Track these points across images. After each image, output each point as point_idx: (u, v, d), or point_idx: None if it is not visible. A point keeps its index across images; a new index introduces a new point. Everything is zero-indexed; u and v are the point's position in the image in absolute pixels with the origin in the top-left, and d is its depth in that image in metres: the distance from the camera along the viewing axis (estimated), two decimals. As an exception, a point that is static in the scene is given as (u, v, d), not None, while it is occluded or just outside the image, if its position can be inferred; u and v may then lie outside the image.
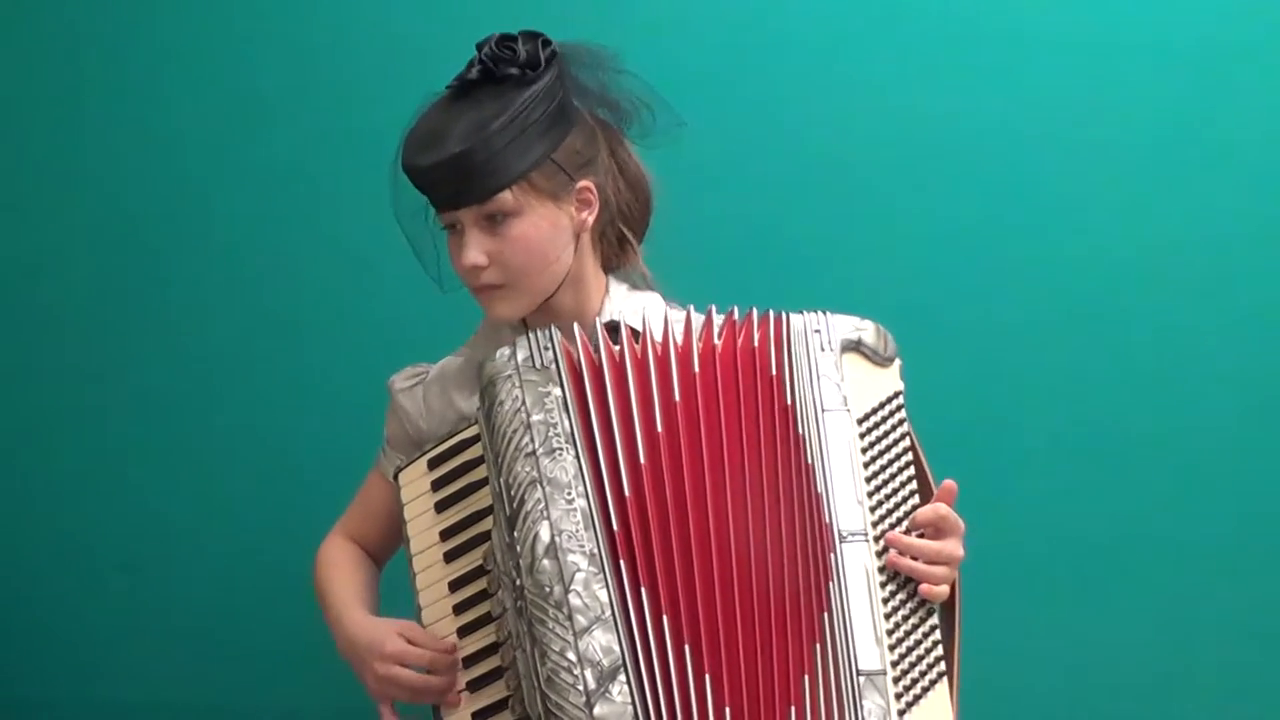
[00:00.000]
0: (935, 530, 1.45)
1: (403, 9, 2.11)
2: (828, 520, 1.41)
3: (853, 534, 1.42)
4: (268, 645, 2.15)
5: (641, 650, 1.35)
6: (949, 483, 1.47)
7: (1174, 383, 2.04)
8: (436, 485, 1.51)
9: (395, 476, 1.55)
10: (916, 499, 1.47)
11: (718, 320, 1.49)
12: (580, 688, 1.33)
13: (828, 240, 2.05)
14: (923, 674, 1.41)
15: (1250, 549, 2.04)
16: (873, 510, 1.44)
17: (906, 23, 2.05)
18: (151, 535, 2.17)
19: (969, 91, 2.04)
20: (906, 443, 1.49)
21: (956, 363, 2.03)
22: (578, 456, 1.40)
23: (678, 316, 1.51)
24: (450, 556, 1.50)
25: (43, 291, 2.19)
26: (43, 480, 2.19)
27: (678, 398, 1.43)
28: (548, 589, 1.36)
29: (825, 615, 1.38)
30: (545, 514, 1.38)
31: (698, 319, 1.49)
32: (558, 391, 1.43)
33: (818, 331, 1.49)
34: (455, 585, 1.49)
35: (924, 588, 1.42)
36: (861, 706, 1.36)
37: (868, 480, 1.45)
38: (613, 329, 1.50)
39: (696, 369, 1.44)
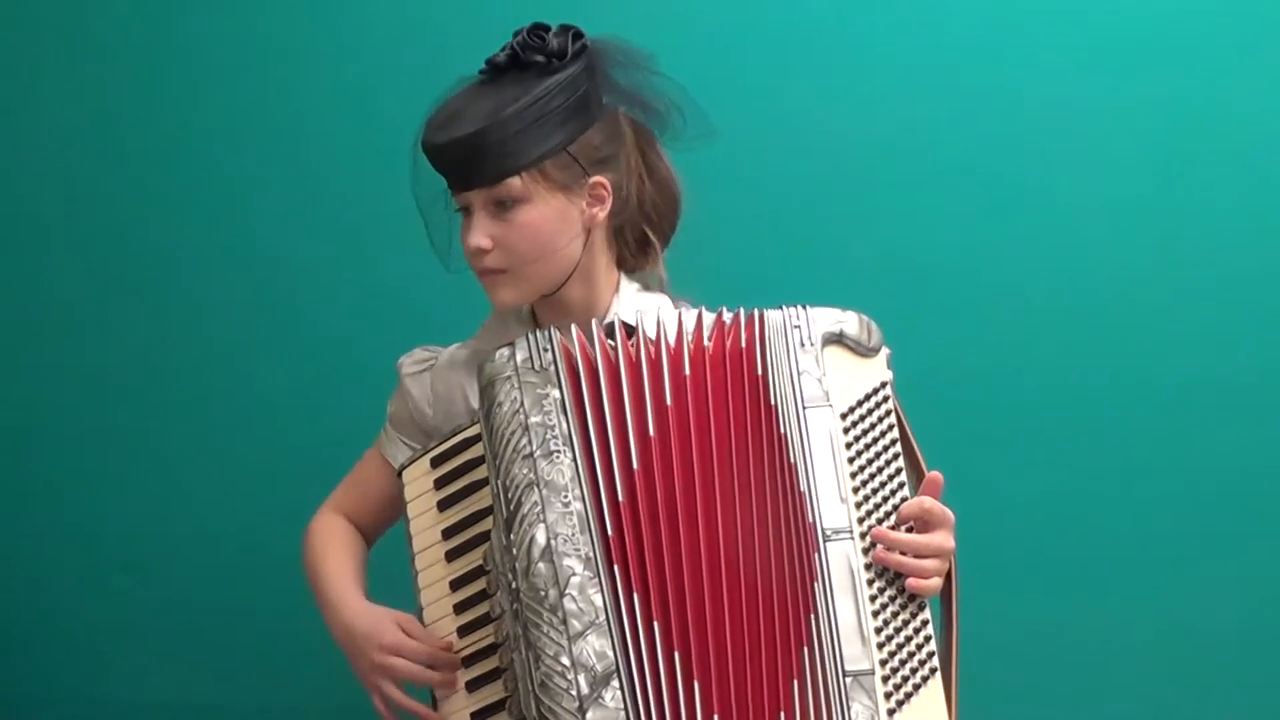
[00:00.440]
0: (922, 524, 1.44)
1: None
2: (811, 520, 1.41)
3: (837, 532, 1.41)
4: (268, 645, 2.15)
5: (634, 656, 1.35)
6: (935, 474, 1.46)
7: (1173, 379, 2.04)
8: (439, 483, 1.51)
9: (399, 474, 1.55)
10: (906, 491, 1.46)
11: (708, 322, 1.48)
12: (573, 692, 1.33)
13: (830, 240, 2.05)
14: (914, 671, 1.39)
15: (1249, 545, 2.04)
16: (858, 506, 1.43)
17: (908, 24, 2.06)
18: (151, 535, 2.17)
19: (971, 92, 2.05)
20: (895, 434, 1.47)
21: (956, 359, 2.03)
22: (575, 459, 1.40)
23: (672, 318, 1.50)
24: (452, 555, 1.50)
25: (42, 290, 2.19)
26: (43, 480, 2.19)
27: (669, 401, 1.43)
28: (543, 592, 1.36)
29: (811, 617, 1.38)
30: (542, 517, 1.38)
31: (690, 320, 1.49)
32: (556, 393, 1.43)
33: (797, 326, 1.48)
34: (456, 584, 1.50)
35: (913, 581, 1.41)
36: (849, 709, 1.35)
37: (853, 475, 1.43)
38: (612, 330, 1.50)
39: (687, 371, 1.44)
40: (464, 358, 1.66)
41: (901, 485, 1.46)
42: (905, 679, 1.39)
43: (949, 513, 1.46)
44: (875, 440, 1.46)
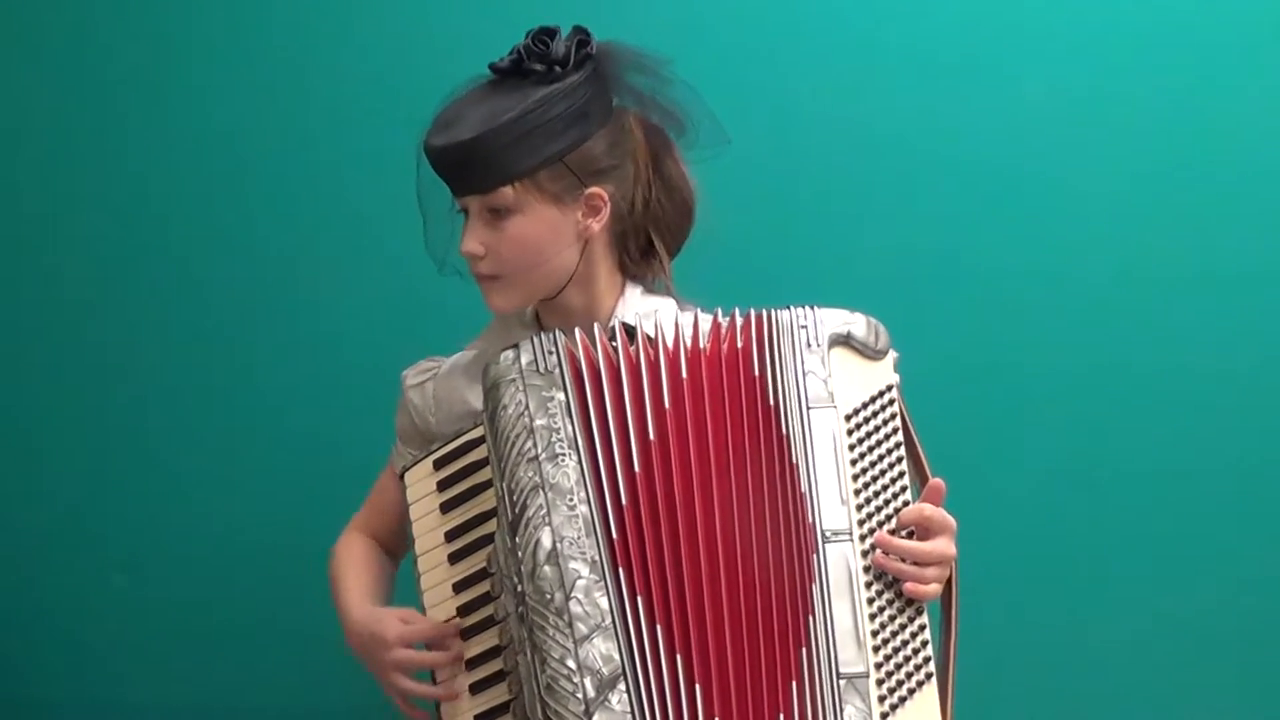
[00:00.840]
0: (922, 531, 1.44)
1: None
2: (811, 520, 1.40)
3: (836, 533, 1.40)
4: (268, 645, 2.15)
5: (639, 659, 1.34)
6: (936, 481, 1.45)
7: (1174, 382, 2.04)
8: (442, 486, 1.51)
9: (401, 475, 1.55)
10: (908, 495, 1.46)
11: (705, 324, 1.48)
12: (580, 695, 1.33)
13: (838, 241, 2.06)
14: (909, 675, 1.39)
15: (1249, 548, 2.05)
16: (859, 509, 1.42)
17: (910, 24, 2.06)
18: (151, 535, 2.16)
19: (973, 93, 2.05)
20: (899, 437, 1.47)
21: (958, 362, 2.03)
22: (580, 462, 1.40)
23: (670, 321, 1.50)
24: (455, 558, 1.50)
25: (43, 290, 2.19)
26: (43, 480, 2.19)
27: (668, 404, 1.42)
28: (549, 596, 1.35)
29: (809, 618, 1.37)
30: (547, 520, 1.37)
31: (686, 323, 1.48)
32: (561, 396, 1.42)
33: (804, 327, 1.47)
34: (460, 587, 1.49)
35: (911, 586, 1.40)
36: (842, 711, 1.35)
37: (855, 478, 1.43)
38: (615, 333, 1.49)
39: (685, 374, 1.44)
40: (467, 362, 1.66)
41: (904, 489, 1.46)
42: (900, 683, 1.38)
43: (950, 519, 1.45)
44: (879, 443, 1.46)
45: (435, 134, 1.52)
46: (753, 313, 1.48)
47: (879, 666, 1.38)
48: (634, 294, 1.63)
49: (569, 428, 1.41)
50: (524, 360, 1.44)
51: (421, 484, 1.52)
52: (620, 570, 1.36)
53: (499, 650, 1.44)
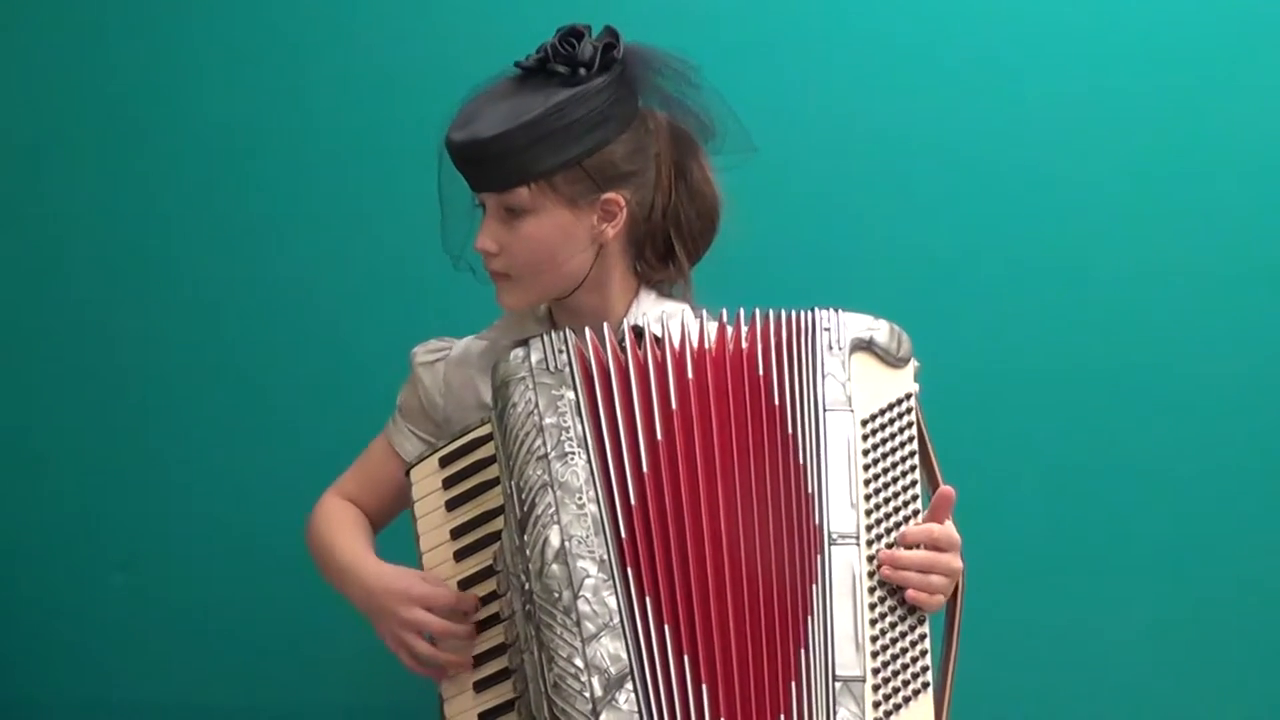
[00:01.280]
0: (929, 547, 1.43)
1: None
2: (817, 522, 1.40)
3: (843, 536, 1.40)
4: (268, 645, 2.14)
5: (647, 659, 1.34)
6: (946, 489, 1.45)
7: (1179, 386, 2.04)
8: (448, 483, 1.51)
9: (407, 473, 1.55)
10: (918, 505, 1.45)
11: (710, 326, 1.48)
12: (587, 695, 1.33)
13: (838, 242, 2.06)
14: (905, 683, 1.38)
15: (1253, 556, 2.04)
16: (869, 514, 1.41)
17: (912, 24, 2.06)
18: (151, 535, 2.16)
19: (978, 95, 2.05)
20: (914, 446, 1.46)
21: (962, 366, 2.02)
22: (589, 461, 1.39)
23: (676, 322, 1.50)
24: (460, 555, 1.50)
25: (43, 289, 2.18)
26: (43, 480, 2.18)
27: (674, 405, 1.42)
28: (556, 594, 1.35)
29: (808, 618, 1.37)
30: (556, 518, 1.37)
31: (692, 324, 1.48)
32: (571, 395, 1.42)
33: (827, 329, 1.47)
34: (465, 585, 1.50)
35: (913, 594, 1.40)
36: (835, 714, 1.34)
37: (867, 483, 1.42)
38: (624, 334, 1.50)
39: (690, 374, 1.44)
40: (478, 351, 1.66)
41: (915, 499, 1.45)
42: (896, 690, 1.38)
43: (955, 536, 1.45)
44: (893, 450, 1.45)
45: (456, 129, 1.52)
46: (771, 313, 1.48)
47: (876, 672, 1.37)
48: (648, 298, 1.63)
49: (579, 426, 1.41)
50: (534, 358, 1.44)
51: (427, 481, 1.52)
52: (629, 570, 1.36)
53: (504, 648, 1.44)
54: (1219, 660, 2.05)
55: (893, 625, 1.40)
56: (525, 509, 1.38)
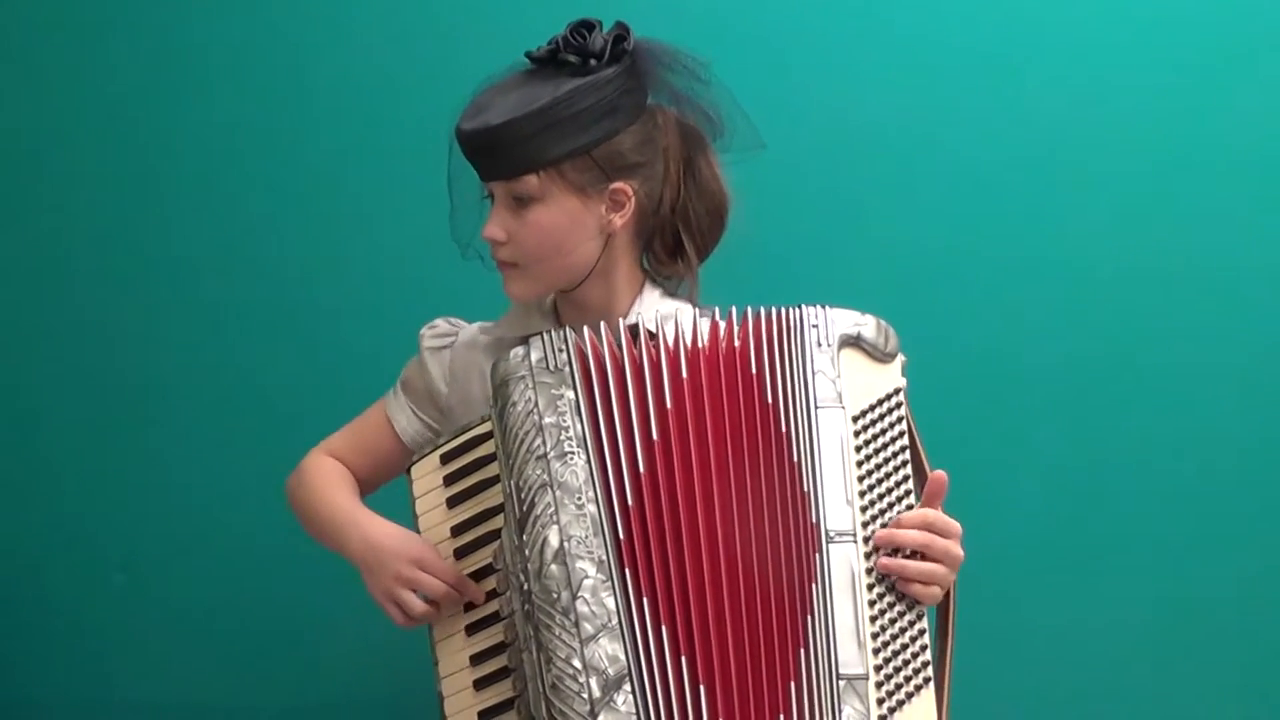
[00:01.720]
0: (927, 533, 1.43)
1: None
2: (814, 520, 1.40)
3: (840, 534, 1.39)
4: (268, 645, 2.14)
5: (645, 660, 1.34)
6: (938, 473, 1.45)
7: (1174, 383, 2.05)
8: (449, 480, 1.51)
9: (408, 470, 1.55)
10: (912, 499, 1.45)
11: (703, 325, 1.47)
12: (585, 695, 1.32)
13: (835, 241, 2.06)
14: (907, 679, 1.38)
15: (1251, 552, 2.05)
16: (864, 510, 1.41)
17: (910, 25, 2.06)
18: (151, 535, 2.16)
19: (974, 94, 2.06)
20: (905, 441, 1.46)
21: (958, 365, 2.03)
22: (589, 461, 1.39)
23: (670, 322, 1.49)
24: (460, 553, 1.51)
25: (44, 289, 2.18)
26: (43, 480, 2.18)
27: (669, 404, 1.42)
28: (555, 595, 1.35)
29: (808, 618, 1.37)
30: (555, 518, 1.37)
31: (686, 323, 1.47)
32: (570, 395, 1.42)
33: (815, 326, 1.46)
34: (464, 584, 1.51)
35: (916, 588, 1.40)
36: (840, 712, 1.34)
37: (861, 479, 1.42)
38: (631, 332, 1.49)
39: (685, 374, 1.44)
40: (485, 343, 1.67)
41: (909, 494, 1.45)
42: (899, 686, 1.38)
43: (954, 524, 1.44)
44: (885, 446, 1.45)
45: (466, 119, 1.53)
46: (761, 311, 1.48)
47: (879, 669, 1.37)
48: (652, 295, 1.63)
49: (578, 426, 1.40)
50: (534, 358, 1.44)
51: (428, 478, 1.53)
52: (627, 571, 1.36)
53: (503, 646, 1.44)
54: (1218, 659, 2.06)
55: (892, 621, 1.39)
56: (524, 509, 1.38)
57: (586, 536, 1.37)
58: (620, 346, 1.45)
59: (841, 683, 1.35)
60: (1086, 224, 2.05)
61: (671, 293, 1.65)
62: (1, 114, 2.19)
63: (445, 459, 1.51)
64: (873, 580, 1.40)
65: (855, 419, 1.44)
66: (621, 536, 1.37)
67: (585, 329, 1.46)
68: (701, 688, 1.34)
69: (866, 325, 1.49)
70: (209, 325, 2.16)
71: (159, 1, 2.16)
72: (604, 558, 1.36)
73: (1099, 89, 2.04)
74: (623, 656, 1.33)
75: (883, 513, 1.43)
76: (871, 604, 1.39)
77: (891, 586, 1.40)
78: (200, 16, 2.15)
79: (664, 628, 1.35)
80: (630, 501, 1.38)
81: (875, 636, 1.38)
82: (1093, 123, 2.04)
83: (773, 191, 2.02)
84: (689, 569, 1.37)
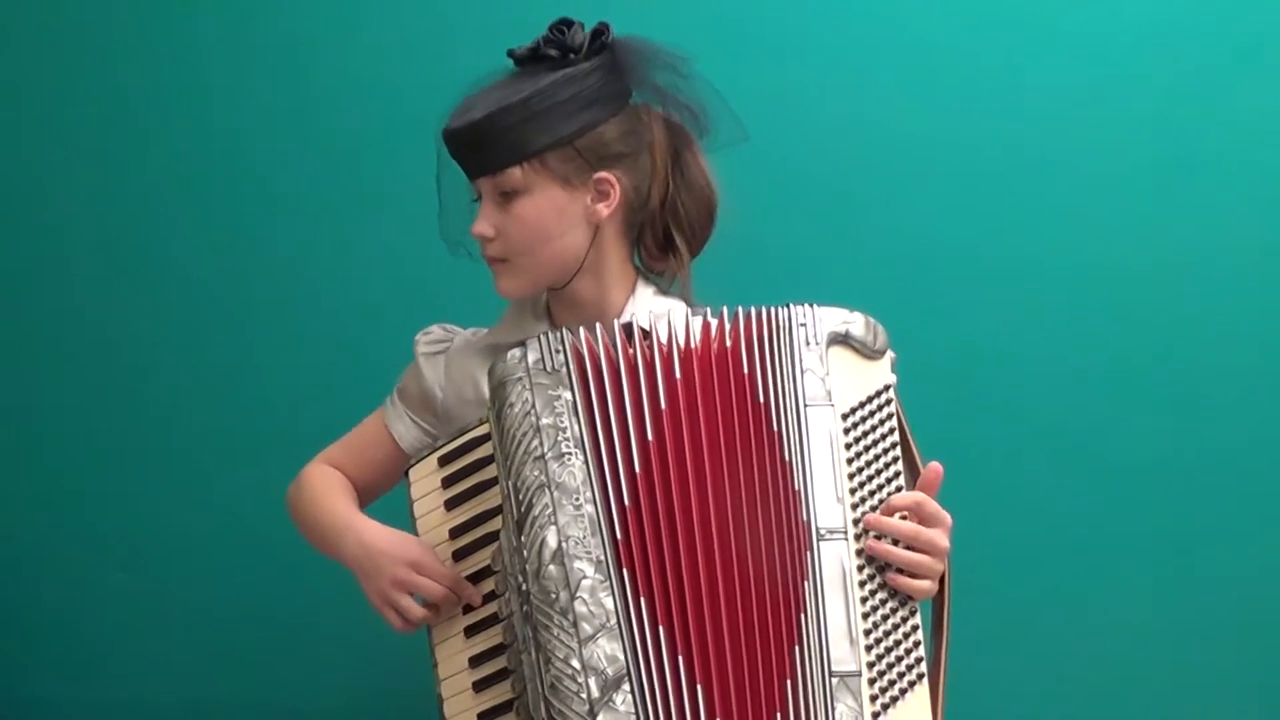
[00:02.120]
0: (916, 519, 1.43)
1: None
2: (805, 518, 1.40)
3: (831, 531, 1.40)
4: (268, 644, 2.14)
5: (643, 660, 1.34)
6: (934, 465, 1.46)
7: (1174, 383, 2.05)
8: (447, 482, 1.51)
9: (406, 473, 1.55)
10: (903, 493, 1.45)
11: (695, 324, 1.48)
12: (584, 695, 1.33)
13: (832, 241, 2.06)
14: (901, 675, 1.39)
15: (1248, 551, 2.05)
16: (854, 508, 1.42)
17: (909, 25, 2.06)
18: (151, 535, 2.16)
19: (970, 94, 2.06)
20: (895, 438, 1.46)
21: (955, 365, 2.03)
22: (586, 462, 1.39)
23: (664, 321, 1.49)
24: (459, 555, 1.50)
25: (43, 289, 2.19)
26: (43, 480, 2.18)
27: (664, 404, 1.42)
28: (553, 595, 1.35)
29: (801, 616, 1.37)
30: (553, 519, 1.37)
31: (679, 323, 1.48)
32: (567, 395, 1.42)
33: (803, 325, 1.47)
34: (462, 585, 1.51)
35: (904, 581, 1.40)
36: (834, 710, 1.35)
37: (851, 476, 1.43)
38: (625, 332, 1.50)
39: (678, 375, 1.44)
40: (479, 347, 1.67)
41: (900, 490, 1.45)
42: (892, 683, 1.38)
43: (945, 514, 1.45)
44: (875, 443, 1.45)
45: (451, 119, 1.55)
46: (751, 310, 1.48)
47: (871, 666, 1.38)
48: (646, 293, 1.63)
49: (575, 427, 1.40)
50: (530, 359, 1.44)
51: (426, 480, 1.53)
52: (625, 570, 1.36)
53: (502, 648, 1.44)
54: (1218, 657, 2.06)
55: (885, 618, 1.40)
56: (522, 510, 1.38)
57: (584, 537, 1.37)
58: (616, 347, 1.45)
59: (834, 680, 1.36)
60: (1086, 223, 2.05)
61: (665, 290, 1.65)
62: (1, 114, 2.19)
63: (443, 461, 1.52)
64: (864, 577, 1.40)
65: (845, 416, 1.45)
66: (619, 537, 1.37)
67: (582, 330, 1.46)
68: (699, 687, 1.34)
69: (855, 323, 1.49)
70: (210, 325, 2.16)
71: (159, 2, 2.16)
72: (602, 558, 1.36)
73: (1098, 87, 2.04)
74: (621, 656, 1.34)
75: (874, 509, 1.43)
76: (864, 600, 1.39)
77: (883, 584, 1.41)
78: (200, 16, 2.15)
79: (661, 628, 1.35)
80: (627, 502, 1.38)
81: (868, 634, 1.38)
82: (1092, 121, 2.04)
83: (772, 191, 2.04)
84: (685, 569, 1.37)
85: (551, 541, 1.36)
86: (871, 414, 1.46)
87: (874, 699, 1.37)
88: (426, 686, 1.53)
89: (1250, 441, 2.04)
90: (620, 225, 1.61)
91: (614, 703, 1.32)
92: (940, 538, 1.43)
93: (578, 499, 1.38)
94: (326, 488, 1.68)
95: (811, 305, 1.48)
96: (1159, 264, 2.04)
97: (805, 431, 1.43)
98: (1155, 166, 2.04)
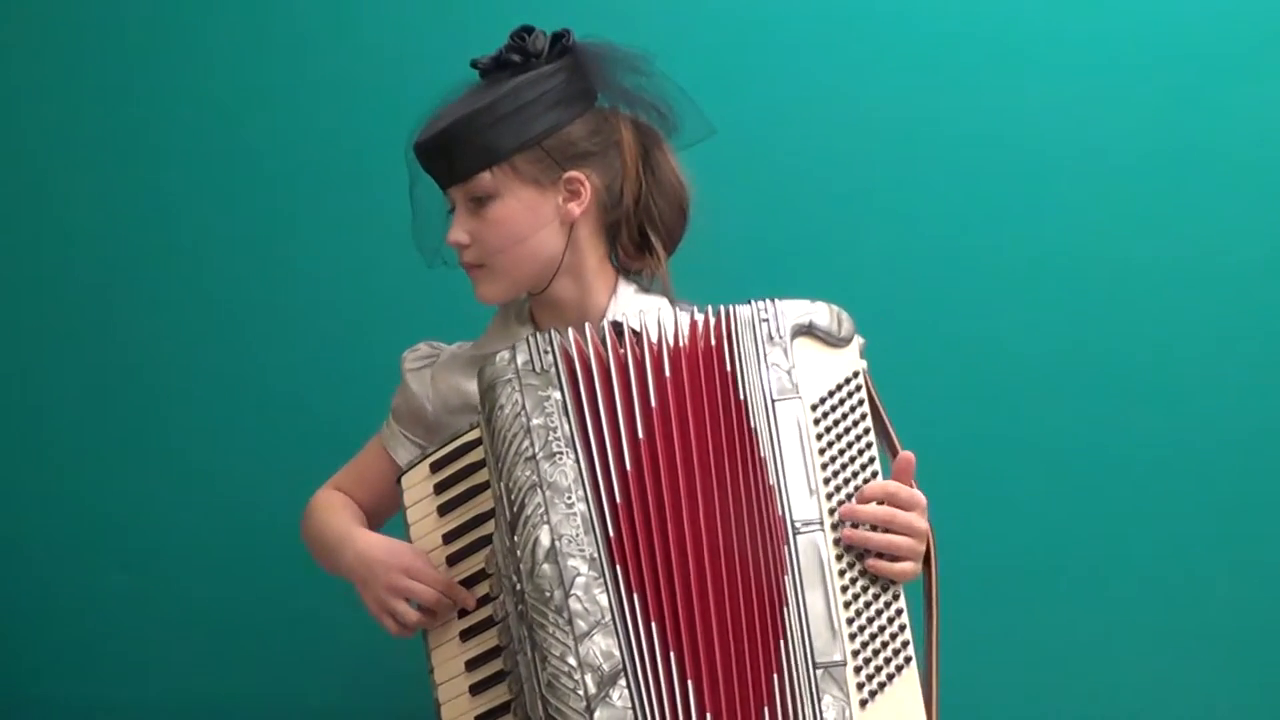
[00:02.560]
0: (890, 504, 1.43)
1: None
2: (781, 513, 1.41)
3: (806, 524, 1.40)
4: (268, 645, 2.14)
5: (638, 655, 1.35)
6: (906, 454, 1.46)
7: (1174, 382, 2.04)
8: (439, 488, 1.52)
9: (399, 480, 1.56)
10: (879, 479, 1.46)
11: (683, 322, 1.48)
12: (580, 692, 1.33)
13: (830, 241, 2.06)
14: (887, 660, 1.39)
15: (1244, 550, 2.05)
16: (829, 497, 1.42)
17: (908, 25, 2.06)
18: (151, 535, 2.16)
19: (969, 95, 2.05)
20: (868, 423, 1.47)
21: (955, 363, 2.03)
22: (577, 461, 1.40)
23: (653, 320, 1.50)
24: (454, 560, 1.51)
25: (42, 290, 2.19)
26: (43, 480, 2.18)
27: (653, 403, 1.43)
28: (548, 593, 1.36)
29: (784, 610, 1.38)
30: (545, 518, 1.37)
31: (667, 321, 1.48)
32: (557, 395, 1.42)
33: (765, 320, 1.47)
34: (458, 588, 1.51)
35: (883, 565, 1.41)
36: (820, 701, 1.35)
37: (824, 466, 1.43)
38: (614, 331, 1.50)
39: (668, 373, 1.44)
40: (465, 359, 1.67)
41: (875, 475, 1.45)
42: (878, 669, 1.39)
43: (919, 495, 1.45)
44: (846, 431, 1.46)
45: (421, 132, 1.58)
46: (721, 309, 1.49)
47: (856, 654, 1.38)
48: (627, 292, 1.64)
49: (566, 426, 1.41)
50: (520, 360, 1.44)
51: (418, 487, 1.54)
52: (618, 567, 1.37)
53: (499, 651, 1.44)
54: (1217, 658, 2.06)
55: (867, 605, 1.41)
56: (515, 510, 1.38)
57: (577, 535, 1.37)
58: (605, 345, 1.45)
59: (819, 671, 1.36)
60: (1085, 222, 2.04)
61: (646, 288, 1.66)
62: (2, 113, 2.19)
63: (435, 467, 1.52)
64: (844, 566, 1.41)
65: (814, 407, 1.45)
66: (611, 534, 1.38)
67: (570, 330, 1.47)
68: (690, 682, 1.35)
69: (818, 313, 1.49)
70: (210, 325, 2.16)
71: (159, 2, 2.16)
72: (595, 555, 1.37)
73: (1099, 86, 2.04)
74: (617, 652, 1.34)
75: (849, 498, 1.44)
76: (844, 589, 1.40)
77: (863, 571, 1.41)
78: (200, 17, 2.15)
79: (653, 624, 1.36)
80: (619, 499, 1.39)
81: (850, 622, 1.39)
82: (1092, 120, 2.04)
83: (772, 189, 2.04)
84: (675, 566, 1.38)
85: (545, 540, 1.37)
86: (841, 402, 1.47)
87: (860, 686, 1.37)
88: (425, 690, 1.54)
89: (1250, 440, 2.04)
90: (595, 224, 1.62)
91: (610, 698, 1.33)
92: (917, 519, 1.44)
93: (570, 498, 1.38)
94: (328, 507, 1.71)
95: (773, 300, 1.49)
96: (1159, 262, 2.04)
97: (775, 426, 1.43)
98: (1155, 165, 2.04)
